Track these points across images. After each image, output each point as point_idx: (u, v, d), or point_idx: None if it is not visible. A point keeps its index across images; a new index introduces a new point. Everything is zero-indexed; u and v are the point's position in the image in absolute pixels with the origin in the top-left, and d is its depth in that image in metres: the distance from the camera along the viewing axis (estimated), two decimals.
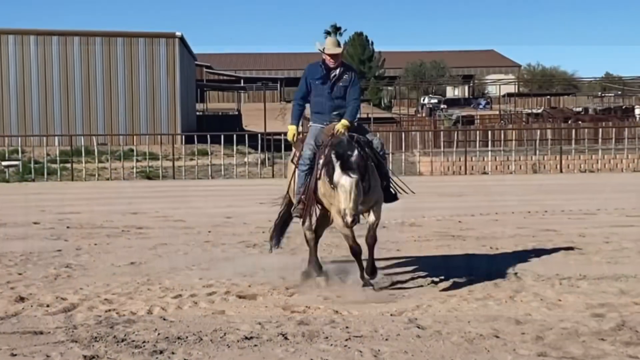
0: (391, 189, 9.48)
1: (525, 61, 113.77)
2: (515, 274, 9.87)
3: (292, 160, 9.94)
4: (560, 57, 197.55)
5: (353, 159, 8.43)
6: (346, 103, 9.38)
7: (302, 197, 9.31)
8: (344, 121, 9.17)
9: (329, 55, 9.28)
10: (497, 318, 7.65)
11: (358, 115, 9.66)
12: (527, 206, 18.03)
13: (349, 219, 8.30)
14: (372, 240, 9.11)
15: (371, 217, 9.09)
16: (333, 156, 8.53)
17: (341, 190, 8.38)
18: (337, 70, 9.37)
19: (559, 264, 10.70)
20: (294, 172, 9.62)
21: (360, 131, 9.48)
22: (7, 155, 34.19)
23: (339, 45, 9.45)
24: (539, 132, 38.44)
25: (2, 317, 7.83)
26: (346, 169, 8.36)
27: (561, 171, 32.08)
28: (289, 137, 9.66)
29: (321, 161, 9.02)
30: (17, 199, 22.31)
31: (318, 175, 9.09)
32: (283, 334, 7.13)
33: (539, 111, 65.18)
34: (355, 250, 9.18)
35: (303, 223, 9.60)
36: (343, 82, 9.38)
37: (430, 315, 7.78)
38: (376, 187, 9.00)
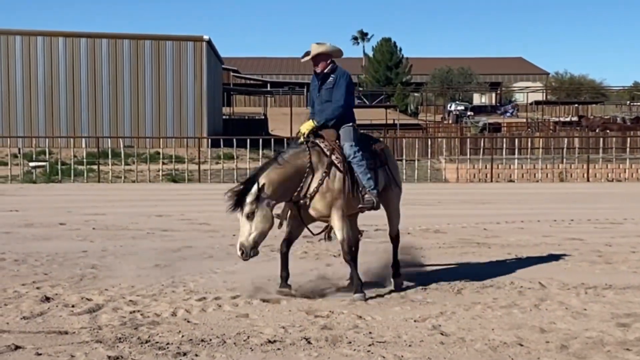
0: (367, 196, 9.13)
1: (553, 69, 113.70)
2: (540, 282, 9.82)
3: None
4: (588, 66, 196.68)
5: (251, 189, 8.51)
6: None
7: None
8: (307, 123, 9.29)
9: (310, 60, 9.36)
10: (521, 326, 7.61)
11: (351, 120, 9.37)
12: (553, 214, 17.94)
13: (238, 253, 8.55)
14: (346, 257, 9.05)
15: (336, 234, 9.08)
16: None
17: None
18: (322, 72, 9.36)
19: (584, 273, 10.63)
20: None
21: (332, 134, 9.23)
22: (34, 156, 34.42)
23: (317, 48, 9.30)
24: (566, 140, 38.26)
25: (27, 316, 7.88)
26: (237, 204, 8.54)
27: (588, 180, 31.88)
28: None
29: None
30: (44, 200, 22.47)
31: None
32: (306, 338, 7.13)
33: (571, 119, 64.81)
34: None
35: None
36: (327, 85, 9.35)
37: (454, 322, 7.75)
38: (328, 196, 8.90)
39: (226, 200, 8.53)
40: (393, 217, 9.85)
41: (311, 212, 8.96)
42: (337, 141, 9.17)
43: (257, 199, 8.41)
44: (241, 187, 8.56)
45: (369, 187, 9.13)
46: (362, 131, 9.85)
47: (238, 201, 8.46)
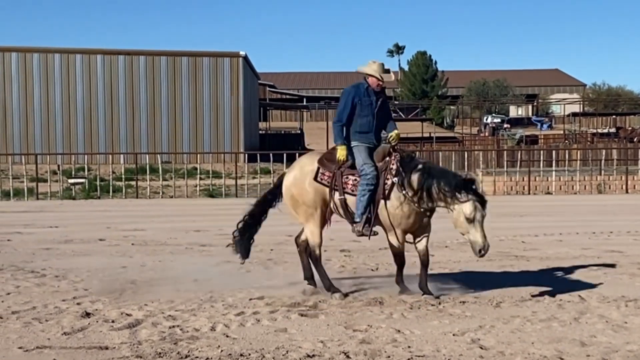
0: None
1: (590, 80, 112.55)
2: (580, 295, 9.73)
3: (315, 179, 9.92)
4: (626, 76, 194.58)
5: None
6: (388, 122, 9.96)
7: (369, 215, 9.42)
8: (397, 131, 9.87)
9: (382, 81, 9.71)
10: (561, 339, 7.55)
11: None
12: (591, 227, 17.79)
13: (484, 253, 8.98)
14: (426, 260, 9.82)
15: (421, 245, 9.78)
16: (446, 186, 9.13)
17: (478, 225, 9.01)
18: (380, 93, 9.83)
19: (624, 285, 10.53)
20: (331, 191, 9.77)
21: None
22: (73, 172, 34.80)
23: (387, 71, 9.80)
24: (604, 152, 37.94)
25: (68, 332, 7.95)
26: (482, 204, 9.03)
27: (627, 192, 31.58)
28: (341, 157, 9.67)
29: (388, 182, 9.40)
30: (83, 216, 22.68)
31: (385, 195, 9.39)
32: (345, 353, 7.12)
33: (609, 130, 64.24)
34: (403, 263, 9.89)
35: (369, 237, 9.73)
36: (383, 104, 9.86)
37: (493, 336, 7.71)
38: None
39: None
40: None
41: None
42: None
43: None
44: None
45: None
46: None
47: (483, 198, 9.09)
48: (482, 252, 8.87)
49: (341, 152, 9.66)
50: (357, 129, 9.72)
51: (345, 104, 9.77)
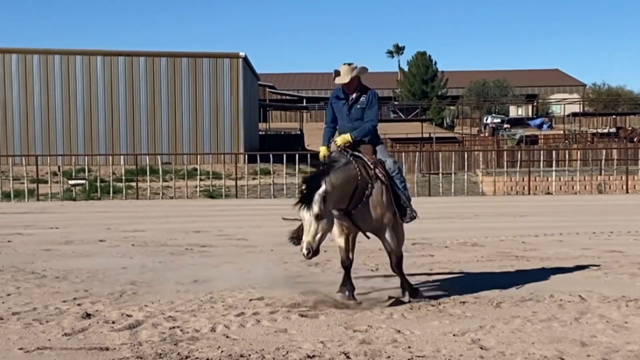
0: (407, 210, 9.49)
1: (590, 80, 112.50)
2: (580, 295, 9.73)
3: None
4: (626, 77, 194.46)
5: (320, 188, 8.51)
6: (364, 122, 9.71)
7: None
8: (344, 135, 9.60)
9: (341, 84, 9.66)
10: (561, 340, 7.55)
11: (372, 137, 9.80)
12: (592, 227, 17.80)
13: (304, 251, 8.44)
14: (395, 269, 9.47)
15: (385, 246, 9.42)
16: (302, 183, 8.76)
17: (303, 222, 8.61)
18: (354, 94, 9.69)
19: (625, 285, 10.53)
20: None
21: (370, 149, 9.63)
22: (74, 174, 34.81)
23: (350, 72, 9.57)
24: (604, 151, 37.97)
25: (69, 333, 7.95)
26: (305, 202, 8.48)
27: (627, 191, 31.61)
28: (321, 157, 9.78)
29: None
30: (84, 217, 22.69)
31: None
32: (345, 353, 7.13)
33: (609, 130, 64.23)
34: (345, 265, 9.62)
35: None
36: (360, 104, 9.68)
37: (493, 336, 7.71)
38: (379, 209, 9.18)
39: (297, 196, 8.72)
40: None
41: (360, 223, 9.18)
42: (375, 156, 9.50)
43: (324, 200, 8.48)
44: (308, 185, 8.63)
45: (409, 200, 9.52)
46: None
47: (307, 198, 8.49)
48: (303, 251, 8.50)
49: (320, 154, 9.85)
50: (339, 130, 9.91)
51: (328, 109, 10.05)
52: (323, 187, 8.51)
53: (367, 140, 9.63)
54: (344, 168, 8.99)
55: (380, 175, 9.22)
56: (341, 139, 9.57)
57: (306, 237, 8.45)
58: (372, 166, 9.25)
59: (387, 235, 9.27)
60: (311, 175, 8.84)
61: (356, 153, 9.39)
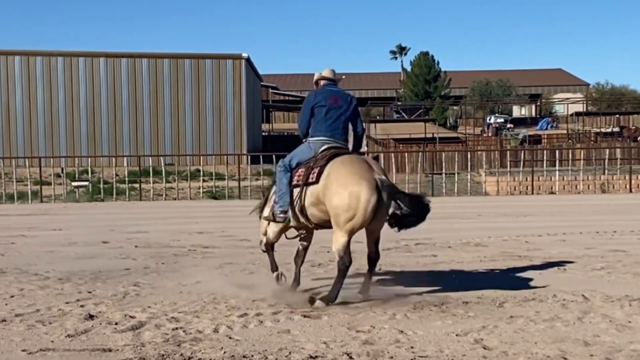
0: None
1: (593, 80, 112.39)
2: (584, 294, 9.72)
3: None
4: (630, 76, 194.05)
5: None
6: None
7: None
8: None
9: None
10: (564, 339, 7.54)
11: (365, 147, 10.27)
12: (595, 226, 17.78)
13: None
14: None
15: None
16: None
17: None
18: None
19: (628, 285, 10.52)
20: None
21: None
22: (77, 175, 34.82)
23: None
24: (607, 151, 37.93)
25: (72, 334, 7.95)
26: None
27: (631, 191, 31.58)
28: None
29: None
30: (87, 219, 22.71)
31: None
32: (348, 353, 7.12)
33: (612, 130, 64.15)
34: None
35: None
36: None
37: (496, 336, 7.70)
38: None
39: None
40: None
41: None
42: None
43: None
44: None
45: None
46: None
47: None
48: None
49: None
50: (311, 129, 10.25)
51: (304, 111, 10.48)
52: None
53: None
54: None
55: None
56: None
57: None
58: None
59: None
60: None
61: None
